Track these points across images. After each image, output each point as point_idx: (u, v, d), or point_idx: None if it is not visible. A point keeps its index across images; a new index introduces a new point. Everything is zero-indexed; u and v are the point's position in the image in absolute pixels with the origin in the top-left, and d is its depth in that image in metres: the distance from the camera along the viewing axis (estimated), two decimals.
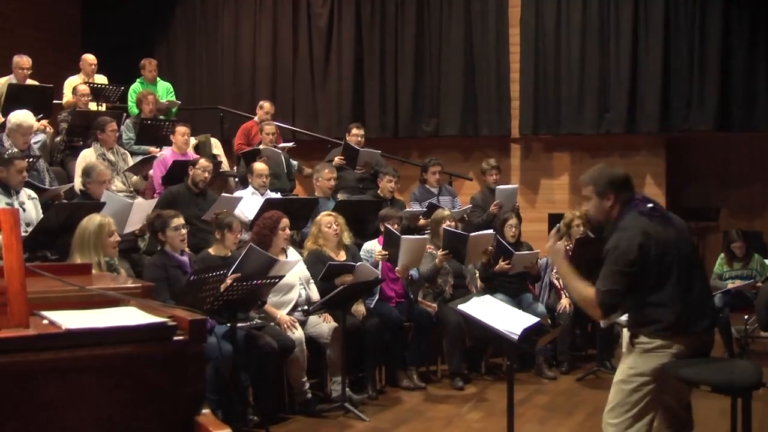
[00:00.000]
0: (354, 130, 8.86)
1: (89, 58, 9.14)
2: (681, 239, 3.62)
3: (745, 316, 7.38)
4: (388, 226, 6.59)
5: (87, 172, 6.34)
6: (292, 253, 6.18)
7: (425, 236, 6.78)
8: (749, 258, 7.89)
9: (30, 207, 5.90)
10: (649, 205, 3.62)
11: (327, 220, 6.42)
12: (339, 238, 6.43)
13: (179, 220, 5.46)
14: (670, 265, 3.50)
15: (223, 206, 6.61)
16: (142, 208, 6.13)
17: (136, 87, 9.25)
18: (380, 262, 6.49)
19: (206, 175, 6.97)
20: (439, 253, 6.70)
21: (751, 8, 9.31)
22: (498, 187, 8.29)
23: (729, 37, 9.35)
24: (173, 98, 9.50)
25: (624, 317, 3.91)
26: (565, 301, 7.08)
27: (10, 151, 6.22)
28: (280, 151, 8.51)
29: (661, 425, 3.57)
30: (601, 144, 9.95)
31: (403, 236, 6.45)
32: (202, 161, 7.04)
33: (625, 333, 3.67)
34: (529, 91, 10.10)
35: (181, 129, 7.83)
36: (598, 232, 6.57)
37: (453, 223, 7.04)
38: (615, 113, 9.75)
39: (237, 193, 7.50)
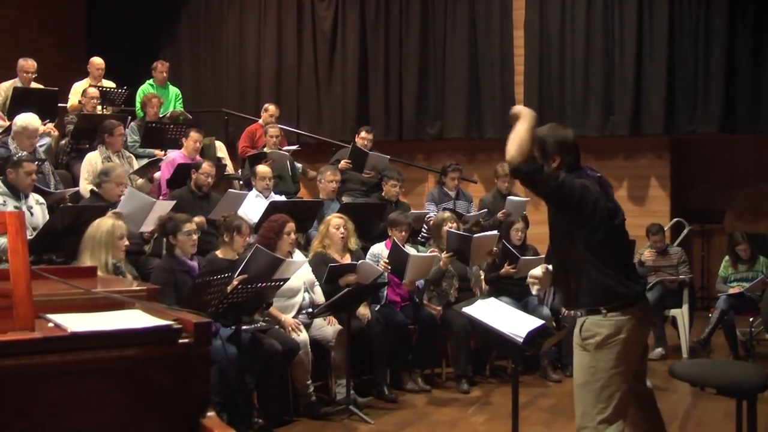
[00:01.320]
0: (363, 134, 8.83)
1: (96, 61, 9.10)
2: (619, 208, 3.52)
3: (750, 319, 7.39)
4: (396, 239, 6.58)
5: (106, 172, 6.29)
6: (298, 256, 6.17)
7: (434, 254, 6.75)
8: (754, 260, 7.87)
9: (38, 212, 5.90)
10: (597, 174, 3.48)
11: (336, 222, 6.41)
12: (345, 242, 6.42)
13: (191, 226, 5.46)
14: (618, 234, 3.39)
15: (228, 203, 6.61)
16: (163, 208, 6.10)
17: (145, 88, 9.23)
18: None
19: (209, 180, 6.96)
20: (444, 255, 6.69)
21: (756, 10, 9.30)
22: (509, 197, 8.00)
23: (733, 39, 9.34)
24: (181, 105, 9.50)
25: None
26: None
27: (18, 154, 6.22)
28: (285, 154, 8.51)
29: (631, 409, 3.52)
30: (605, 146, 9.92)
31: (411, 254, 6.42)
32: (205, 166, 7.00)
33: (575, 336, 3.53)
34: (534, 93, 10.09)
35: (194, 135, 7.81)
36: None
37: (455, 225, 7.02)
38: (619, 115, 9.73)
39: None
